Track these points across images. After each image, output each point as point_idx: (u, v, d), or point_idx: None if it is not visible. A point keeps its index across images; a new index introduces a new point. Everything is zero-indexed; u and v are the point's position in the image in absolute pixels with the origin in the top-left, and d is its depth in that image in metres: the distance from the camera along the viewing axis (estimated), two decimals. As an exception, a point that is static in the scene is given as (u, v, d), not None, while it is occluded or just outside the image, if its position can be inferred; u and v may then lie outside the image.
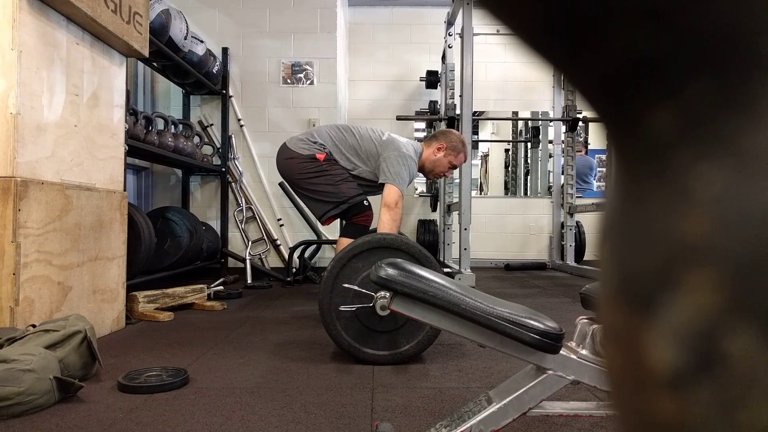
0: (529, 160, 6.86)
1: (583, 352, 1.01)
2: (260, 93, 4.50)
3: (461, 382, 1.65)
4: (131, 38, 2.36)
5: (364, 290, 1.78)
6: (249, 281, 3.98)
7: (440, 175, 2.79)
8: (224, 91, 4.40)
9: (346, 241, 2.51)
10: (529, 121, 6.44)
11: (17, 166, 1.77)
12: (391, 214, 2.48)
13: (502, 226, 5.80)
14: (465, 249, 3.80)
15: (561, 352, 0.98)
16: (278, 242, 4.46)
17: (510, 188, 7.09)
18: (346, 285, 1.80)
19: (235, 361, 1.88)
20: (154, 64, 3.73)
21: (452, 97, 4.51)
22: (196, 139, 4.04)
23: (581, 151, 6.17)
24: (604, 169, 6.87)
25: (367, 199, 2.63)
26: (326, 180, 2.58)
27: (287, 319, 2.64)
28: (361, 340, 1.84)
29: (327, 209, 2.61)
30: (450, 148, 2.68)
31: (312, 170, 2.59)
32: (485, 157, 8.05)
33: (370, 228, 2.70)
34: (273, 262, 4.46)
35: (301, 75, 4.52)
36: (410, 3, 5.61)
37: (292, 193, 4.37)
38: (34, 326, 1.66)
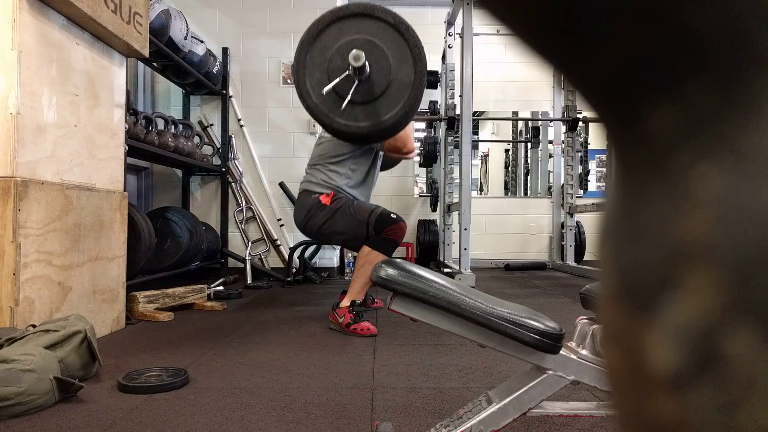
0: (529, 160, 6.86)
1: (583, 352, 1.01)
2: (260, 93, 4.50)
3: (461, 382, 1.65)
4: (131, 38, 2.36)
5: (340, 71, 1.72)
6: (249, 281, 3.98)
7: None
8: (224, 91, 4.39)
9: (367, 250, 2.47)
10: (529, 121, 6.44)
11: (17, 166, 1.77)
12: None
13: (502, 226, 5.80)
14: (465, 249, 3.80)
15: (561, 352, 0.98)
16: (278, 242, 4.45)
17: (510, 188, 7.09)
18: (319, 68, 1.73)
19: (235, 361, 1.88)
20: (154, 64, 3.73)
21: (452, 97, 4.52)
22: (196, 139, 4.04)
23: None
24: (604, 169, 6.87)
25: (393, 213, 2.55)
26: (342, 217, 2.54)
27: (287, 319, 2.64)
28: (339, 113, 1.77)
29: (363, 237, 2.53)
30: None
31: (325, 216, 2.55)
32: (485, 157, 8.05)
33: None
34: (273, 262, 4.46)
35: (301, 75, 4.51)
36: (410, 3, 5.60)
37: (292, 193, 4.39)
38: (34, 326, 1.66)
